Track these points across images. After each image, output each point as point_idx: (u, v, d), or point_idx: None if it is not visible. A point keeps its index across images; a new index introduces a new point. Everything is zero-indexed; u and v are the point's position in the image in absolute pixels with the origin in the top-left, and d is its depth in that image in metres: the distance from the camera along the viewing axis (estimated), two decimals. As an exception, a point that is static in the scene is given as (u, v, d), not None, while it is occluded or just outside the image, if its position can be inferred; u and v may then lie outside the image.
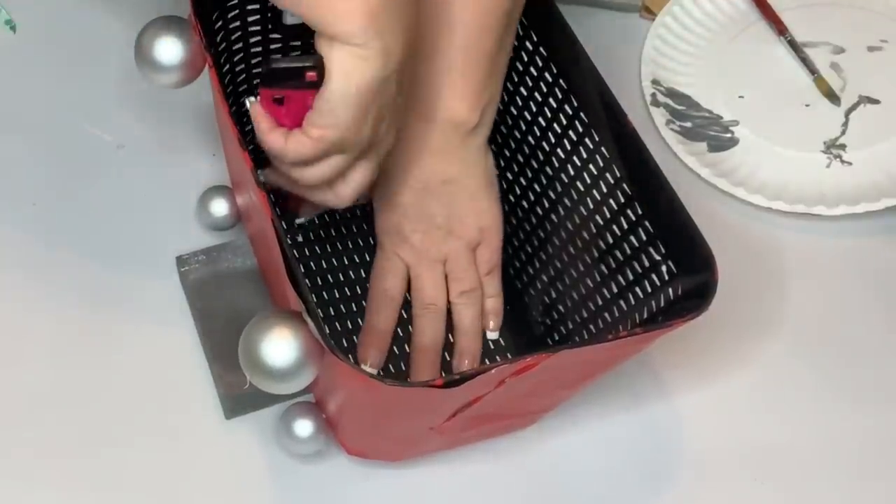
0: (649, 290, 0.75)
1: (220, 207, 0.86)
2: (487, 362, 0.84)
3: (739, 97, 1.00)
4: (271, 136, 0.71)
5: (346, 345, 0.84)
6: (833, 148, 0.96)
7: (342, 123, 0.68)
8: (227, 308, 0.84)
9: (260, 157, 0.75)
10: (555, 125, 0.82)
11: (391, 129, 0.73)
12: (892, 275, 0.92)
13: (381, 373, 0.82)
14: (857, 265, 0.92)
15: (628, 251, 0.76)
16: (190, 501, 0.77)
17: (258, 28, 0.83)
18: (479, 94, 0.79)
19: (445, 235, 0.82)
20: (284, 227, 0.86)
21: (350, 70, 0.66)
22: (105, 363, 0.82)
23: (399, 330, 0.84)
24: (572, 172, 0.81)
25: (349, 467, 0.78)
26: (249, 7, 0.82)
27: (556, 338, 0.83)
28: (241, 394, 0.80)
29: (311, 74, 0.68)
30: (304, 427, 0.75)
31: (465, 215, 0.82)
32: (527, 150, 0.85)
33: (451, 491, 0.79)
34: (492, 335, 0.85)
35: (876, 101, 0.98)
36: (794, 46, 1.02)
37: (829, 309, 0.89)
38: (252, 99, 0.72)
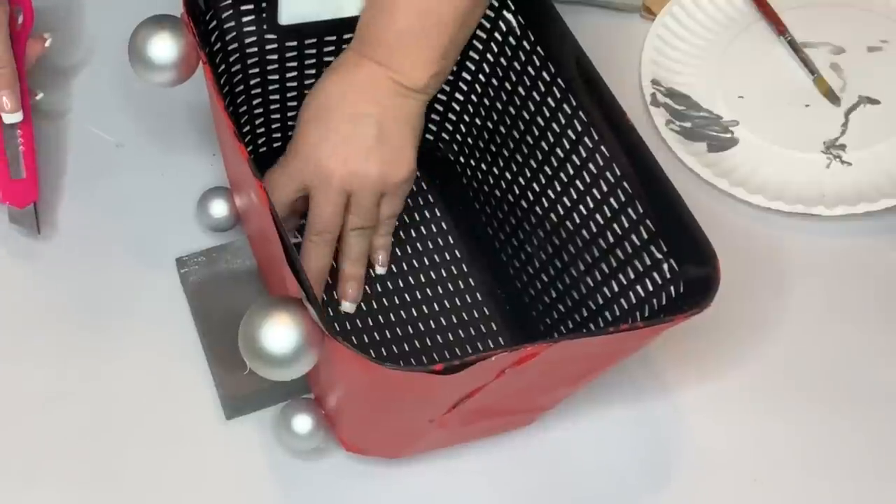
0: (651, 288, 0.75)
1: (219, 208, 0.86)
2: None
3: (739, 97, 1.00)
4: None
5: (348, 327, 0.84)
6: (833, 148, 0.96)
7: None
8: (227, 309, 0.84)
9: (257, 159, 0.75)
10: (554, 125, 0.82)
11: None
12: (892, 275, 0.92)
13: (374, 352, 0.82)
14: (856, 265, 0.92)
15: (629, 250, 0.76)
16: (190, 502, 0.77)
17: (253, 28, 0.83)
18: (429, 63, 0.79)
19: (359, 169, 0.80)
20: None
21: None
22: (105, 364, 0.82)
23: (374, 305, 0.85)
24: (572, 172, 0.81)
25: (348, 465, 0.78)
26: (244, 7, 0.82)
27: (556, 337, 0.83)
28: (241, 394, 0.80)
29: None
30: (303, 423, 0.76)
31: (387, 159, 0.80)
32: (526, 150, 0.85)
33: (450, 488, 0.79)
34: (380, 270, 0.86)
35: (876, 102, 0.98)
36: (794, 46, 1.02)
37: (829, 309, 0.89)
38: None
